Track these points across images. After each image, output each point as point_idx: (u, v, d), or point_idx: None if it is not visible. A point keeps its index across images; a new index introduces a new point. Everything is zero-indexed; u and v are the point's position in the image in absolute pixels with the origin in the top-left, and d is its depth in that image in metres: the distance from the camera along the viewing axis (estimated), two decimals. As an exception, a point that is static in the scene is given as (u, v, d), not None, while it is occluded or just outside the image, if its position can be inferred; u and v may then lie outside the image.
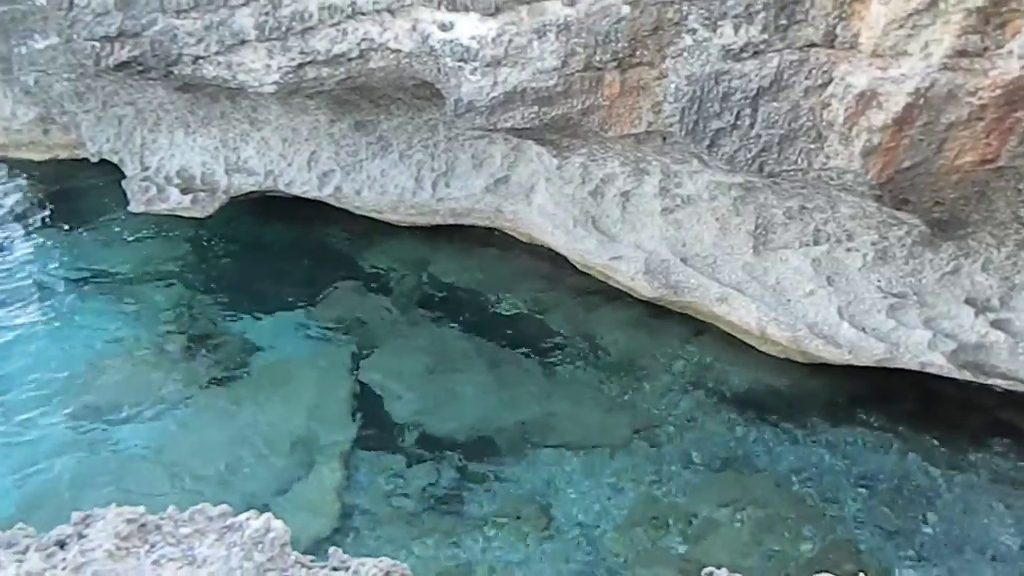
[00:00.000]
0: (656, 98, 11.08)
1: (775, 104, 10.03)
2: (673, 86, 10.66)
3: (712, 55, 10.17)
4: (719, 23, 9.93)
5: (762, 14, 9.55)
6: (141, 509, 3.31)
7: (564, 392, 13.42)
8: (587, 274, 15.19)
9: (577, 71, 11.08)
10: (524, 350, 14.32)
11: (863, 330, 12.23)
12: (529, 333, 14.71)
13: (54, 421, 13.05)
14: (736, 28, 9.84)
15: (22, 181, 19.24)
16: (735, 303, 13.18)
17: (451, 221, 16.25)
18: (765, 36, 9.67)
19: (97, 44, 13.95)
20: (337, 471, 12.23)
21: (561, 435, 12.64)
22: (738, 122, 10.37)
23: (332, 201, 16.40)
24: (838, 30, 9.15)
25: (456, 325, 14.98)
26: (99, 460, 12.47)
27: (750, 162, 10.63)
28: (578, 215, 14.34)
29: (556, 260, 15.56)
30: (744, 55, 9.94)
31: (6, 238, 17.43)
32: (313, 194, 16.29)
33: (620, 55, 10.70)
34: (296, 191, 16.32)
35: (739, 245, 13.12)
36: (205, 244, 17.35)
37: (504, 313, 15.23)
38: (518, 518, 11.36)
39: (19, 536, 3.19)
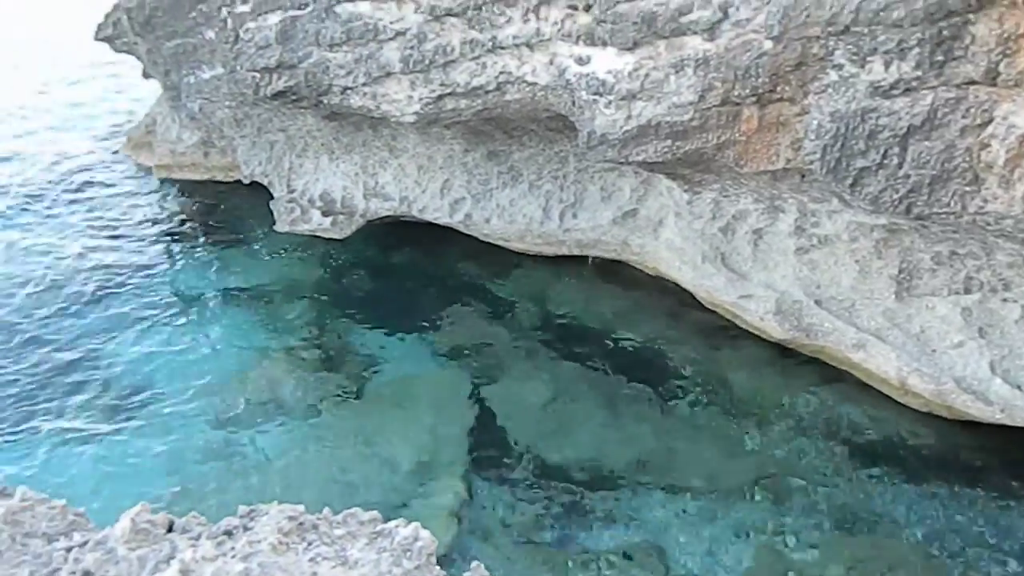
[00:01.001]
0: (796, 135, 10.77)
1: (927, 143, 9.53)
2: (815, 123, 10.33)
3: (859, 91, 9.81)
4: (868, 59, 9.58)
5: (916, 50, 9.14)
6: (301, 508, 3.52)
7: (684, 431, 13.10)
8: (713, 312, 14.85)
9: (714, 106, 10.96)
10: (644, 385, 14.11)
11: (1019, 388, 11.28)
12: (650, 368, 14.49)
13: (190, 425, 13.96)
14: (887, 64, 9.46)
15: (182, 199, 20.92)
16: (873, 350, 12.49)
17: (577, 252, 16.35)
18: (919, 73, 9.24)
19: (257, 74, 15.07)
20: (453, 492, 12.41)
21: (679, 475, 12.31)
22: (885, 161, 9.91)
23: (461, 228, 16.87)
24: (1001, 67, 8.63)
25: (576, 356, 14.97)
26: (236, 461, 13.24)
27: (896, 203, 10.12)
28: (707, 251, 14.08)
29: (681, 296, 15.32)
30: (895, 92, 9.53)
31: (164, 251, 18.93)
32: (444, 220, 16.82)
33: (760, 90, 10.50)
34: (428, 217, 16.90)
35: (880, 289, 12.45)
36: (338, 264, 18.21)
37: (625, 347, 15.09)
38: (630, 559, 11.11)
39: (192, 523, 3.47)
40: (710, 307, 14.83)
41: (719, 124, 11.11)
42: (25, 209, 20.55)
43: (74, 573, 3.03)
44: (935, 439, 12.47)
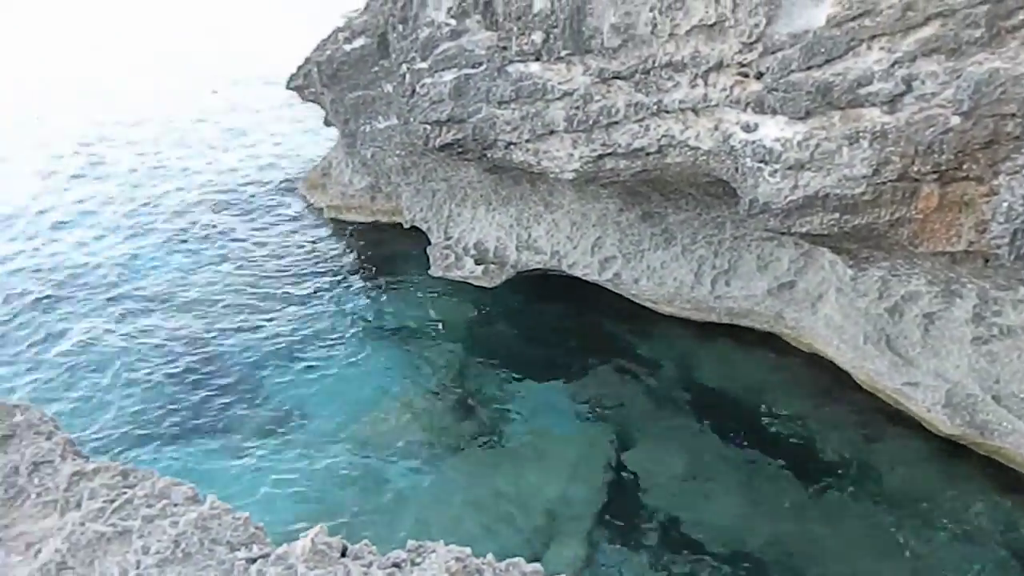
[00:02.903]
0: (981, 216, 10.05)
1: None
2: (1005, 205, 9.61)
3: (1060, 174, 9.07)
4: (1073, 140, 8.86)
5: None
6: (467, 551, 3.60)
7: (831, 522, 12.23)
8: (872, 395, 13.91)
9: (890, 180, 10.45)
10: (790, 466, 13.37)
11: None
12: (798, 448, 13.72)
13: (337, 451, 14.62)
14: (1094, 147, 8.71)
15: (347, 238, 22.26)
16: (1060, 458, 11.25)
17: (726, 320, 15.89)
18: None
19: (429, 127, 15.93)
20: (579, 550, 12.23)
21: (823, 567, 11.50)
22: (1087, 251, 9.05)
23: (609, 286, 16.87)
24: None
25: (719, 426, 14.45)
26: (368, 492, 13.72)
27: (1098, 298, 9.19)
28: (870, 332, 13.28)
29: (837, 376, 14.48)
30: (1102, 177, 8.74)
31: (325, 285, 20.12)
32: (592, 277, 16.89)
33: (943, 167, 9.92)
34: (577, 272, 17.04)
35: (1072, 391, 11.26)
36: (485, 312, 18.64)
37: (772, 422, 14.39)
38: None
39: (364, 551, 3.64)
40: (869, 390, 13.91)
41: (894, 200, 10.57)
42: (206, 236, 22.59)
43: (256, 584, 3.26)
44: None
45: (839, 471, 13.17)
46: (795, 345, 15.48)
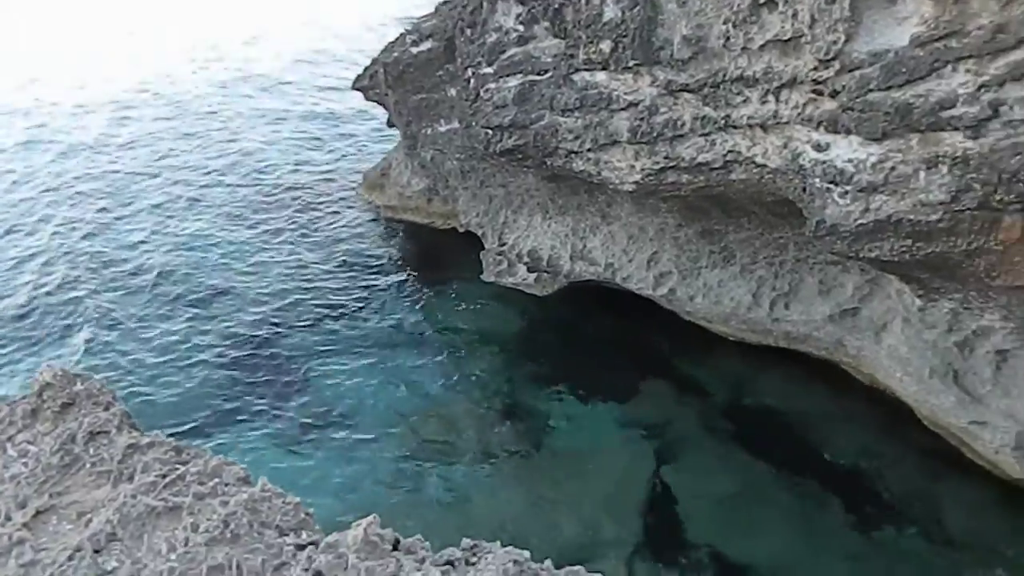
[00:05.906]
0: (1067, 251, 9.56)
1: None
2: (1095, 240, 9.12)
3: None
4: None
5: None
6: (526, 554, 3.47)
7: (886, 561, 11.77)
8: (934, 432, 13.33)
9: (969, 208, 10.00)
10: (844, 501, 12.90)
11: None
12: (853, 483, 13.23)
13: (378, 451, 14.63)
14: None
15: (401, 239, 22.36)
16: None
17: (783, 345, 15.43)
18: None
19: (490, 131, 15.89)
20: (617, 573, 11.95)
21: (875, 611, 11.03)
22: None
23: (663, 302, 16.56)
24: None
25: (769, 454, 14.01)
26: (406, 492, 13.70)
27: None
28: (937, 365, 12.72)
29: (898, 409, 13.91)
30: None
31: (376, 285, 20.21)
32: (646, 292, 16.60)
33: (1028, 197, 9.46)
34: (631, 286, 16.77)
35: None
36: (534, 321, 18.48)
37: (826, 454, 13.91)
38: None
39: (416, 546, 3.54)
40: (931, 427, 13.33)
41: (972, 229, 10.11)
42: (262, 230, 22.85)
43: (306, 571, 3.17)
44: None
45: (895, 509, 12.65)
46: (854, 375, 14.95)
